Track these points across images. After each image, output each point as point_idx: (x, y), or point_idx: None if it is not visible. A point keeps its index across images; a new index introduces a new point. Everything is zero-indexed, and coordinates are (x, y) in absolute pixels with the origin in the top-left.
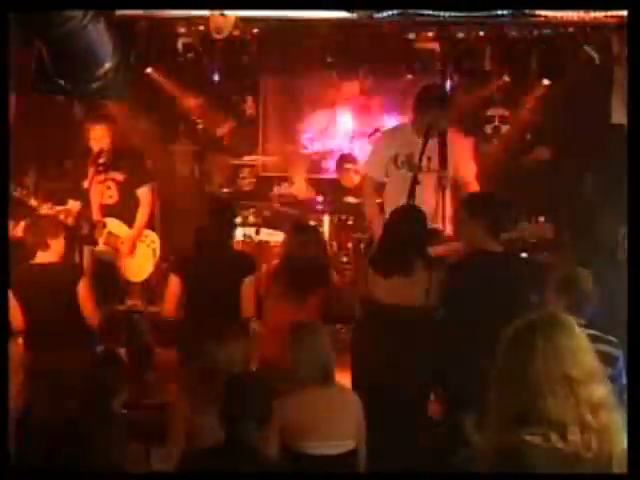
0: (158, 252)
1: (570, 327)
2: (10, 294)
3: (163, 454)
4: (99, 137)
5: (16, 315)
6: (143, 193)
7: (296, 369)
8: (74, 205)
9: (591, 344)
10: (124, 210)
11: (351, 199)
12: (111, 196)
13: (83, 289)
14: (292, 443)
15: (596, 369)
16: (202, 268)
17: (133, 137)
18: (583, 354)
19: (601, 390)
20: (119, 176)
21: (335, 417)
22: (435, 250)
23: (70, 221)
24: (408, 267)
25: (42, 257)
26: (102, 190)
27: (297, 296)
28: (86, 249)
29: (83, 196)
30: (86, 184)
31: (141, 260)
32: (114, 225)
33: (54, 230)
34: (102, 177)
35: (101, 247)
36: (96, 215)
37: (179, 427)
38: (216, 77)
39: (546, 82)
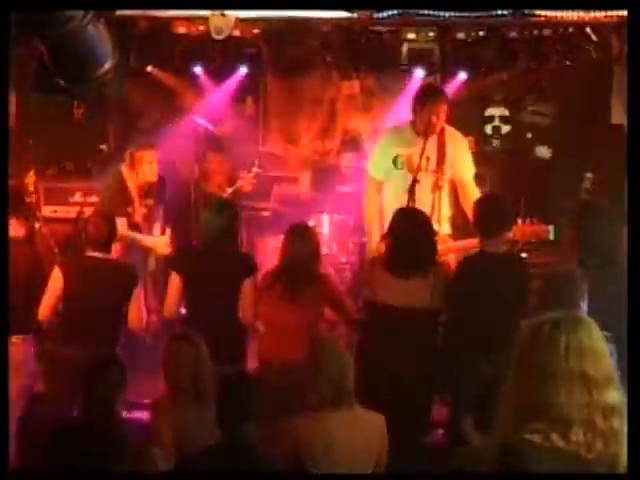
0: None
1: (593, 329)
2: (56, 275)
3: (160, 454)
4: (152, 164)
5: (51, 300)
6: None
7: (320, 389)
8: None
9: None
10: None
11: (346, 188)
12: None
13: (138, 294)
14: (306, 462)
15: (613, 374)
16: (203, 267)
17: None
18: (603, 357)
19: (616, 396)
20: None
21: (353, 441)
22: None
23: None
24: (414, 269)
25: (97, 252)
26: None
27: (295, 297)
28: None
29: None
30: (129, 209)
31: None
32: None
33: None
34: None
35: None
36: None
37: (165, 425)
38: (216, 77)
39: (546, 82)
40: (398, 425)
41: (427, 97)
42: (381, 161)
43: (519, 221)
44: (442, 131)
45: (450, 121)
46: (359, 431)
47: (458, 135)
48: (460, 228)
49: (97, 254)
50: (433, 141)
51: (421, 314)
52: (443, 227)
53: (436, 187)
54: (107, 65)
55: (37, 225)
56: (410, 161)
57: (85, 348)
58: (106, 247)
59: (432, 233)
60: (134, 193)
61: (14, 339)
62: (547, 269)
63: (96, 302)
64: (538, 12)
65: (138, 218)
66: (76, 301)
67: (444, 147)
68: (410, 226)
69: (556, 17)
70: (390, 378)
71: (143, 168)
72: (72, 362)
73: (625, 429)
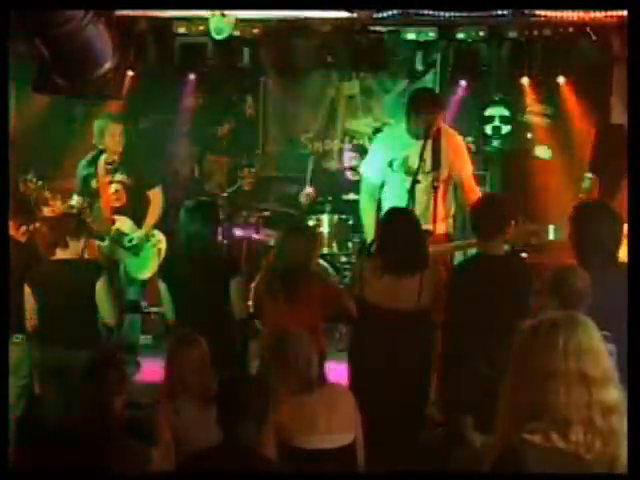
0: (164, 253)
1: (591, 328)
2: (26, 291)
3: (159, 454)
4: (114, 135)
5: (31, 312)
6: (154, 194)
7: (285, 379)
8: (78, 201)
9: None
10: (132, 212)
11: (352, 196)
12: (119, 199)
13: (102, 286)
14: (292, 442)
15: (611, 372)
16: (187, 272)
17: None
18: (601, 356)
19: (615, 394)
20: (127, 179)
21: (332, 413)
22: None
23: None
24: (404, 268)
25: (61, 254)
26: (110, 194)
27: (293, 297)
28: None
29: (90, 194)
30: (94, 183)
31: (145, 259)
32: (123, 223)
33: (75, 228)
34: (108, 178)
35: (107, 243)
36: (106, 212)
37: (164, 426)
38: (216, 77)
39: (545, 82)
40: (393, 424)
41: (422, 101)
42: (377, 164)
43: (519, 221)
44: (438, 131)
45: (449, 120)
46: (330, 403)
47: (455, 134)
48: (458, 228)
49: (59, 256)
50: (429, 142)
51: (410, 314)
52: (440, 227)
53: (433, 187)
54: (107, 65)
55: (37, 225)
56: (406, 163)
57: (71, 349)
58: (66, 246)
59: (421, 232)
60: (101, 169)
61: (14, 339)
62: (547, 269)
63: (70, 303)
64: (538, 12)
65: (105, 195)
66: (52, 308)
67: (440, 147)
68: (398, 226)
69: (556, 17)
70: (382, 377)
71: (107, 140)
72: (63, 364)
73: (624, 428)
